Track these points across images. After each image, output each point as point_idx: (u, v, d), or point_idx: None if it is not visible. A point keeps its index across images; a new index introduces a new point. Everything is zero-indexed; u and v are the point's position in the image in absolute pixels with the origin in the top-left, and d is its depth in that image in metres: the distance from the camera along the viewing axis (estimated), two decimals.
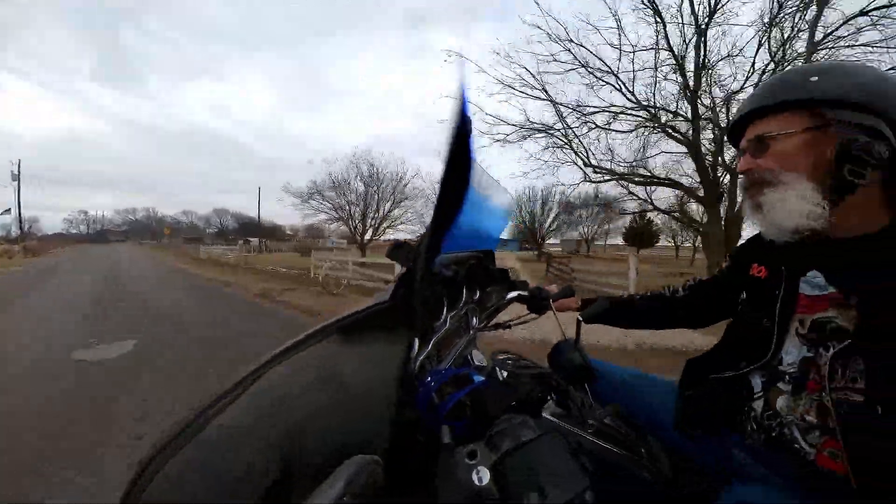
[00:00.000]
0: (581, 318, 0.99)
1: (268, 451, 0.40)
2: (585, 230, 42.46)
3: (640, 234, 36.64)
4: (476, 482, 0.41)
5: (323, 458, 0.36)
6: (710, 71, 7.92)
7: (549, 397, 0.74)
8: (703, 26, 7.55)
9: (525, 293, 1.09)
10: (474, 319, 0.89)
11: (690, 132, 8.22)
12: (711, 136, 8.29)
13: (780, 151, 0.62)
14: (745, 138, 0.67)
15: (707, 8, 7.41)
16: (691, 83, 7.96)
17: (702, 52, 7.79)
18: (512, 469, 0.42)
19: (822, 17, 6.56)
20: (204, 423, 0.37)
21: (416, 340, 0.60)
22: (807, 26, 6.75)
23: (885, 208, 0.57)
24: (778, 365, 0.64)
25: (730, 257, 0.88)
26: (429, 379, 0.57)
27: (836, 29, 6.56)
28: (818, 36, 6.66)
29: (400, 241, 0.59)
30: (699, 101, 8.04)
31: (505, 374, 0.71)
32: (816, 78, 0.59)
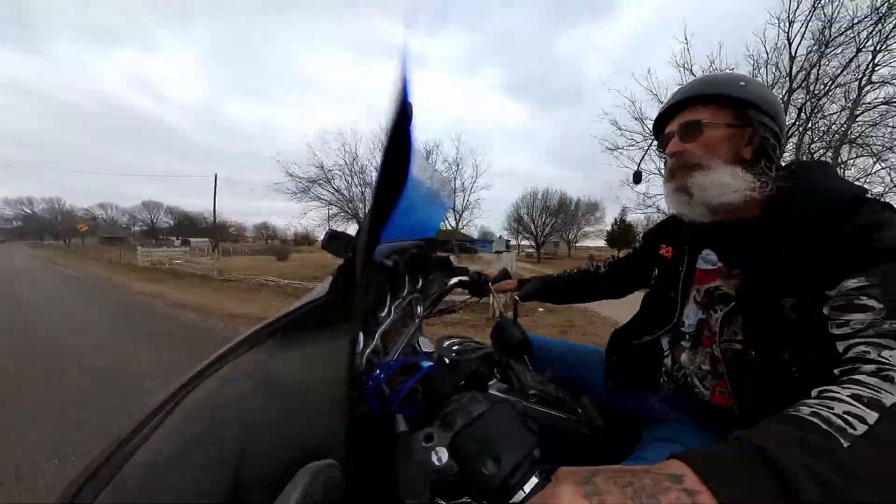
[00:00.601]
0: (518, 298, 1.08)
1: (209, 472, 0.35)
2: (567, 232, 44.21)
3: (622, 236, 41.14)
4: (435, 462, 0.42)
5: (274, 471, 0.33)
6: None
7: (494, 373, 0.80)
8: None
9: (466, 278, 1.13)
10: (419, 307, 0.90)
11: None
12: None
13: (708, 138, 0.68)
14: (677, 123, 0.72)
15: None
16: None
17: None
18: (467, 443, 0.45)
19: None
20: (132, 450, 0.31)
21: (361, 334, 0.59)
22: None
23: (759, 202, 0.66)
24: (681, 327, 0.76)
25: (642, 238, 1.02)
26: (377, 372, 0.56)
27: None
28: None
29: (335, 231, 0.55)
30: None
31: (452, 356, 0.73)
32: (744, 84, 0.67)
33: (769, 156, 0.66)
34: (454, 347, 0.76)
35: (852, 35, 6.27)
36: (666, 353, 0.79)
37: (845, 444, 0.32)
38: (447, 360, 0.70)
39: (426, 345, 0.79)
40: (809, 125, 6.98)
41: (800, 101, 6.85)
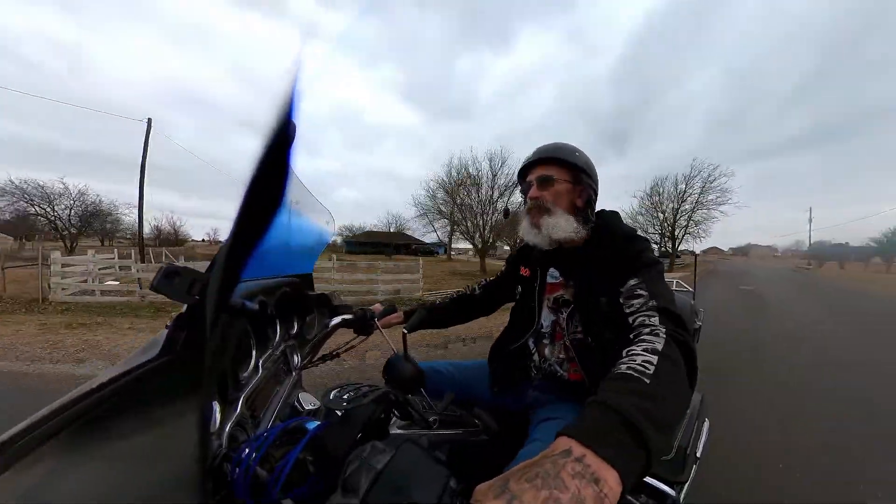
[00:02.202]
0: (406, 330, 1.04)
1: None
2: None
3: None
4: None
5: None
6: None
7: (392, 413, 0.75)
8: None
9: (350, 316, 1.03)
10: (295, 358, 0.76)
11: None
12: None
13: (556, 190, 0.92)
14: (536, 174, 0.94)
15: None
16: None
17: None
18: (379, 499, 0.39)
19: None
20: None
21: (216, 405, 0.45)
22: None
23: (583, 236, 0.93)
24: (540, 329, 0.97)
25: (507, 262, 1.22)
26: (246, 452, 0.43)
27: None
28: None
29: (175, 266, 0.40)
30: None
31: (343, 407, 0.64)
32: (578, 154, 0.93)
33: (592, 207, 0.94)
34: (344, 397, 0.67)
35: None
36: (533, 352, 0.99)
37: (647, 381, 0.47)
38: (338, 413, 0.60)
39: (309, 401, 0.67)
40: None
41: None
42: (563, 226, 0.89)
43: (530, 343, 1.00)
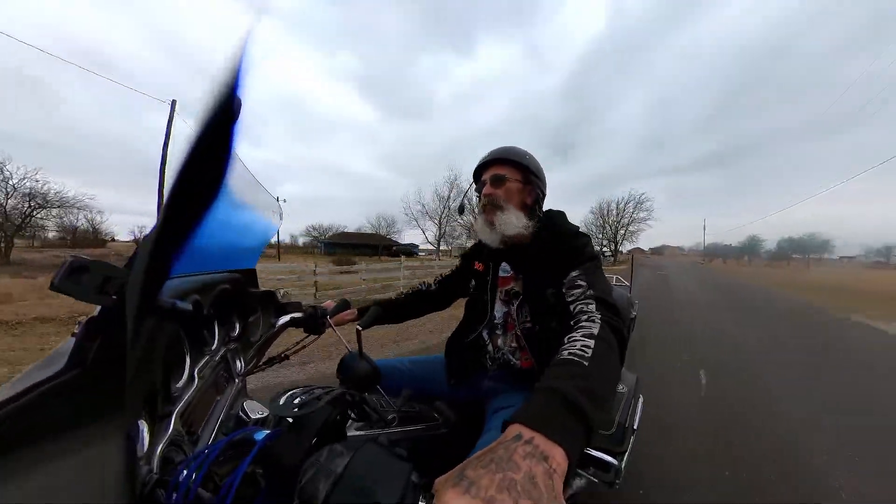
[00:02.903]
0: (360, 328, 1.00)
1: None
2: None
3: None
4: None
5: None
6: None
7: (349, 414, 0.72)
8: None
9: (299, 315, 0.96)
10: (238, 363, 0.68)
11: None
12: None
13: (508, 188, 0.97)
14: (489, 173, 0.99)
15: None
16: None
17: None
18: (341, 503, 0.37)
19: None
20: None
21: (143, 424, 0.39)
22: None
23: (531, 232, 0.98)
24: (493, 320, 1.02)
25: (461, 258, 1.25)
26: (184, 474, 0.37)
27: None
28: None
29: (82, 259, 0.32)
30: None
31: (295, 412, 0.60)
32: (528, 156, 1.00)
33: (539, 205, 1.02)
34: (295, 401, 0.62)
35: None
36: (487, 343, 1.03)
37: (586, 364, 0.51)
38: (290, 420, 0.56)
39: (256, 409, 0.61)
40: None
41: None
42: (514, 222, 0.95)
43: (484, 335, 1.04)
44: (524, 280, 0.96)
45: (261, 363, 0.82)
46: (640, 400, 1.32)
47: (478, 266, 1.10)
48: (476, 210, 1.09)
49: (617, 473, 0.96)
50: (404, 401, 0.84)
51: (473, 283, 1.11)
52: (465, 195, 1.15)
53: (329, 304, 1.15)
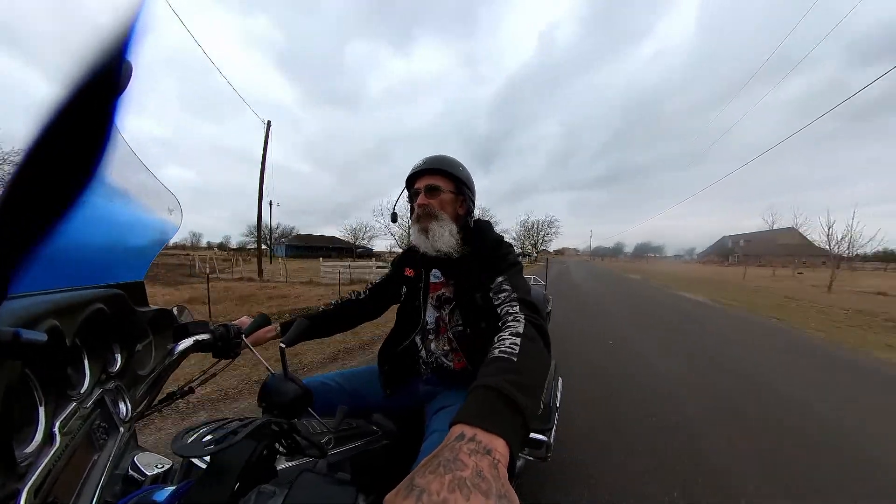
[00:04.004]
0: (283, 345, 0.90)
1: None
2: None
3: None
4: None
5: None
6: None
7: (277, 446, 0.64)
8: None
9: (206, 336, 0.81)
10: (122, 406, 0.55)
11: None
12: None
13: (442, 199, 1.00)
14: (424, 183, 1.01)
15: None
16: None
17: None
18: None
19: None
20: None
21: None
22: None
23: (461, 240, 1.02)
24: (426, 326, 1.04)
25: (392, 265, 1.24)
26: None
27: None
28: None
29: None
30: None
31: (211, 451, 0.50)
32: (462, 168, 1.03)
33: (471, 215, 1.07)
34: (206, 438, 0.52)
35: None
36: (420, 348, 1.05)
37: (515, 360, 0.55)
38: (203, 464, 0.47)
39: (153, 462, 0.50)
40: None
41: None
42: (447, 234, 0.99)
43: (417, 340, 1.06)
44: (455, 285, 1.00)
45: (156, 402, 0.67)
46: (560, 382, 1.49)
47: (409, 272, 1.11)
48: (409, 217, 1.09)
49: (548, 448, 1.06)
50: (340, 419, 0.79)
51: (405, 289, 1.11)
52: (396, 202, 1.13)
53: (244, 320, 1.02)
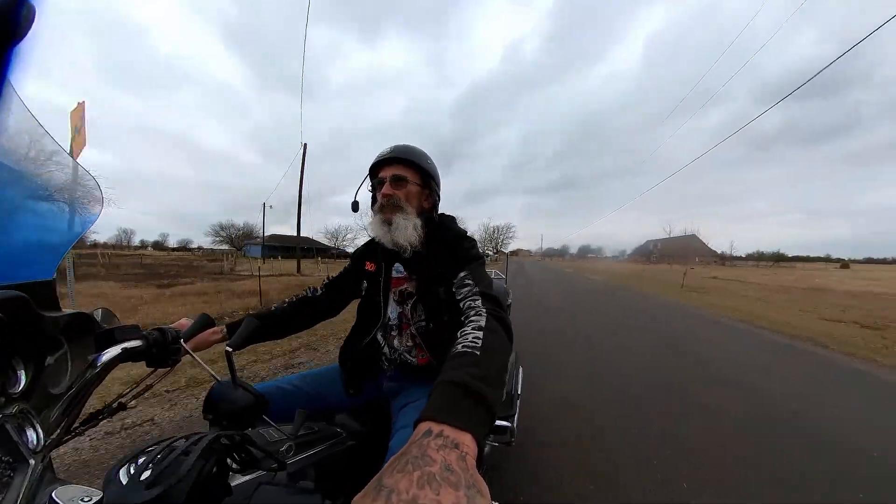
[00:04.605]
0: (231, 348, 0.80)
1: None
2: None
3: None
4: None
5: None
6: None
7: (230, 461, 0.59)
8: None
9: (136, 343, 0.70)
10: (32, 432, 0.47)
11: None
12: None
13: (409, 190, 0.97)
14: (390, 172, 0.97)
15: None
16: None
17: None
18: None
19: None
20: None
21: None
22: None
23: (425, 234, 1.00)
24: (388, 322, 1.02)
25: (352, 259, 1.19)
26: None
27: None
28: None
29: None
30: None
31: (148, 481, 0.44)
32: (429, 161, 1.01)
33: (436, 209, 1.06)
34: (140, 460, 0.46)
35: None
36: (383, 345, 1.04)
37: (478, 353, 0.56)
38: (143, 494, 0.41)
39: (76, 495, 0.43)
40: None
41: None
42: (411, 227, 0.96)
43: (379, 336, 1.04)
44: (418, 280, 0.99)
45: (76, 425, 0.58)
46: (521, 370, 1.57)
47: (369, 266, 1.08)
48: (371, 207, 1.06)
49: (511, 434, 1.10)
50: (300, 423, 0.74)
51: (365, 284, 1.08)
52: (357, 191, 1.07)
53: (183, 322, 0.92)
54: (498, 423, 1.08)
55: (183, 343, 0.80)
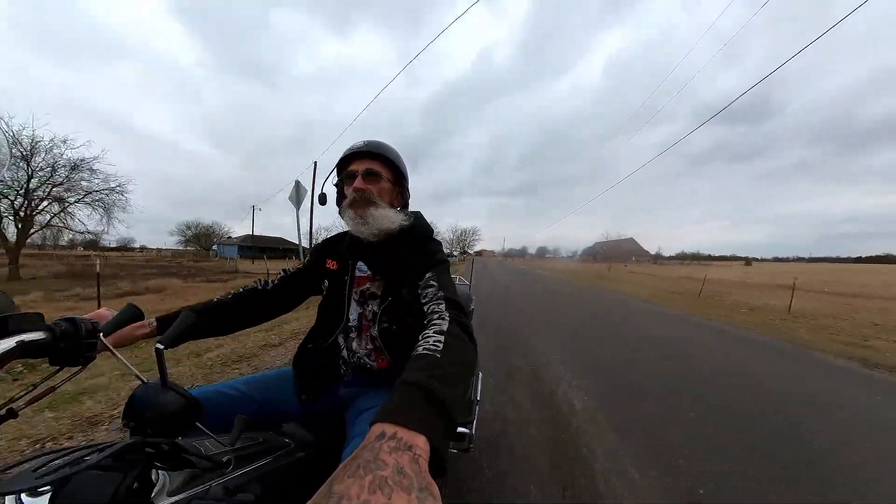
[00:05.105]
0: (162, 346, 0.68)
1: None
2: None
3: None
4: None
5: None
6: None
7: (152, 472, 0.51)
8: None
9: (39, 335, 0.56)
10: None
11: None
12: None
13: (382, 186, 0.95)
14: (362, 166, 0.94)
15: None
16: None
17: None
18: None
19: None
20: None
21: None
22: None
23: (397, 231, 0.97)
24: (349, 323, 0.96)
25: (312, 254, 1.12)
26: None
27: None
28: None
29: None
30: None
31: (44, 489, 0.36)
32: (400, 157, 1.00)
33: (406, 207, 1.05)
34: (41, 468, 0.38)
35: None
36: (342, 348, 0.98)
37: (439, 356, 0.55)
38: None
39: None
40: None
41: None
42: (390, 216, 0.94)
43: (340, 339, 0.98)
44: (383, 280, 0.95)
45: None
46: (479, 376, 1.53)
47: (332, 264, 1.02)
48: (337, 203, 1.02)
49: (470, 440, 1.08)
50: (239, 432, 0.66)
51: (327, 283, 1.02)
52: (324, 183, 1.02)
53: (102, 313, 0.79)
54: (459, 430, 1.06)
55: (102, 338, 0.66)
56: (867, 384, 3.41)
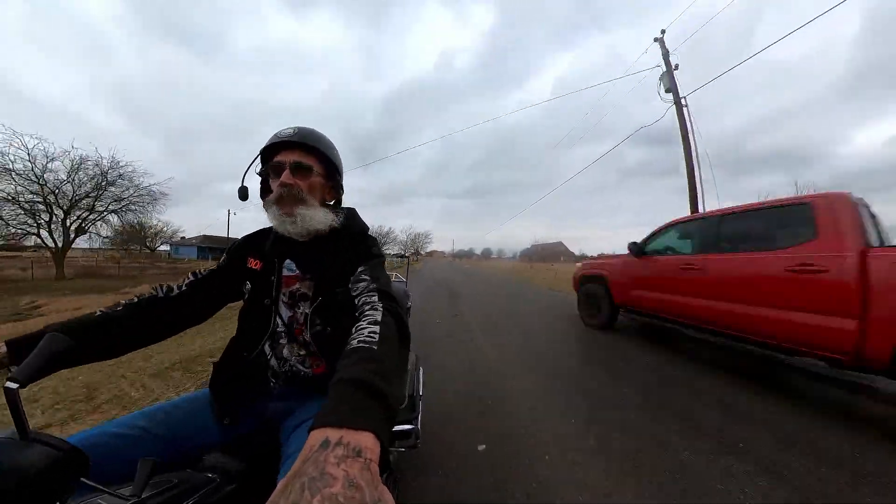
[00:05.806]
0: (14, 385, 0.51)
1: None
2: None
3: None
4: None
5: None
6: None
7: None
8: None
9: None
10: None
11: None
12: None
13: (313, 181, 0.86)
14: (291, 158, 0.84)
15: None
16: None
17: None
18: None
19: None
20: None
21: None
22: None
23: (328, 228, 0.90)
24: (277, 328, 0.87)
25: (228, 254, 0.97)
26: None
27: None
28: None
29: None
30: None
31: None
32: (335, 151, 0.92)
33: (339, 204, 0.98)
34: None
35: None
36: (270, 357, 0.87)
37: (375, 348, 0.53)
38: None
39: None
40: None
41: None
42: (320, 217, 0.86)
43: (267, 348, 0.87)
44: (315, 280, 0.87)
45: None
46: (421, 371, 1.54)
47: (254, 264, 0.90)
48: (262, 196, 0.90)
49: (416, 436, 1.04)
50: (146, 479, 0.51)
51: (250, 285, 0.89)
52: (245, 175, 0.88)
53: None
54: (403, 427, 1.01)
55: None
56: (545, 292, 10.26)
